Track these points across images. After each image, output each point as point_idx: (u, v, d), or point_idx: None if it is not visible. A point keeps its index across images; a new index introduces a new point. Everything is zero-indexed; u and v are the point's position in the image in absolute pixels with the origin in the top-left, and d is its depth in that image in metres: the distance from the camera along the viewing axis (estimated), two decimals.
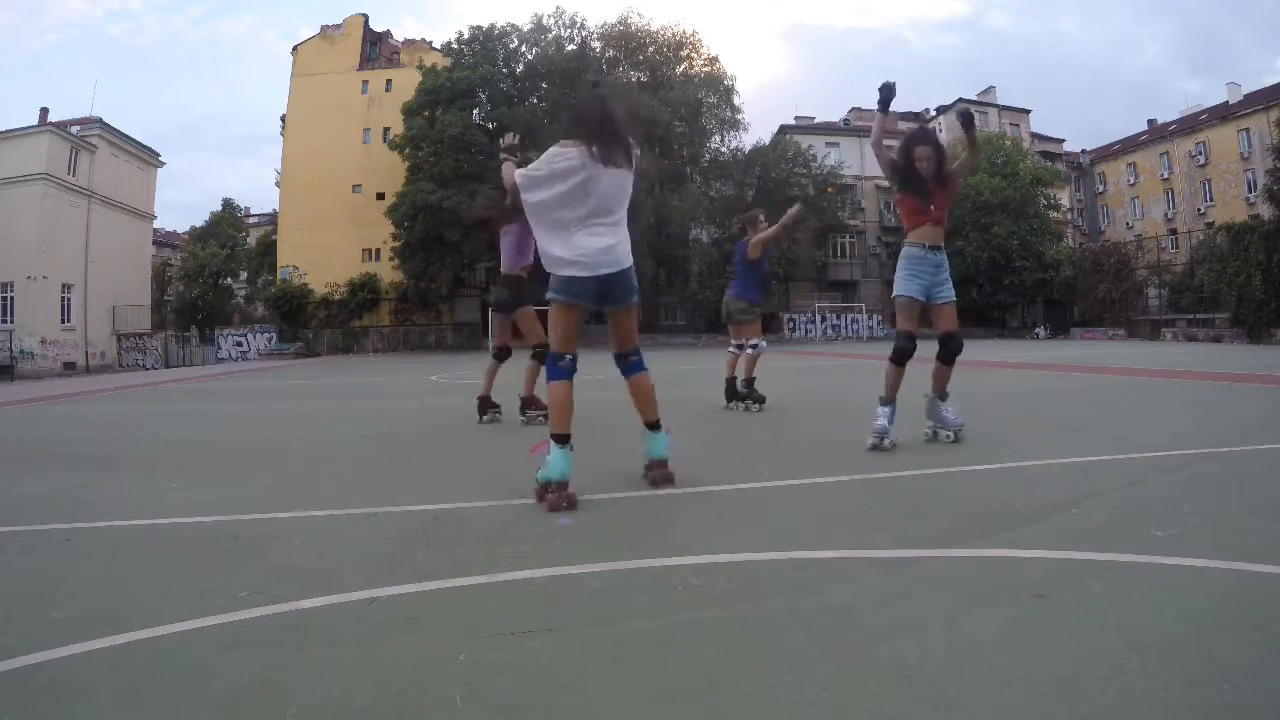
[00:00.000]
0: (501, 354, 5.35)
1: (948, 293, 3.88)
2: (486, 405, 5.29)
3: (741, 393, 5.76)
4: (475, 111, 33.58)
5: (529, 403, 5.24)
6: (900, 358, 3.83)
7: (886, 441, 3.71)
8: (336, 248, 35.64)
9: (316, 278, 35.28)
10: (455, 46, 35.26)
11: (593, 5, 79.41)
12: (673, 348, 29.90)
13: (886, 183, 3.93)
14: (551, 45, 35.49)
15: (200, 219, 51.39)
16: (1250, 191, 35.05)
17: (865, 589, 1.76)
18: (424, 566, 2.00)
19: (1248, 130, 36.18)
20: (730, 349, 5.94)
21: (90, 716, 1.25)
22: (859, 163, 39.49)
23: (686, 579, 1.85)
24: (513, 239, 5.18)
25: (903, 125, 45.65)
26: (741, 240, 5.97)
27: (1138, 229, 41.76)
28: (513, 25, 35.75)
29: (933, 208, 3.84)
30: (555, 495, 2.64)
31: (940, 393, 3.91)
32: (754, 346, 5.82)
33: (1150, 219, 42.16)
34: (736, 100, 35.28)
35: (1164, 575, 1.79)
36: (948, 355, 3.88)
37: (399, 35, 41.71)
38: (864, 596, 1.71)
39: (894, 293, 3.92)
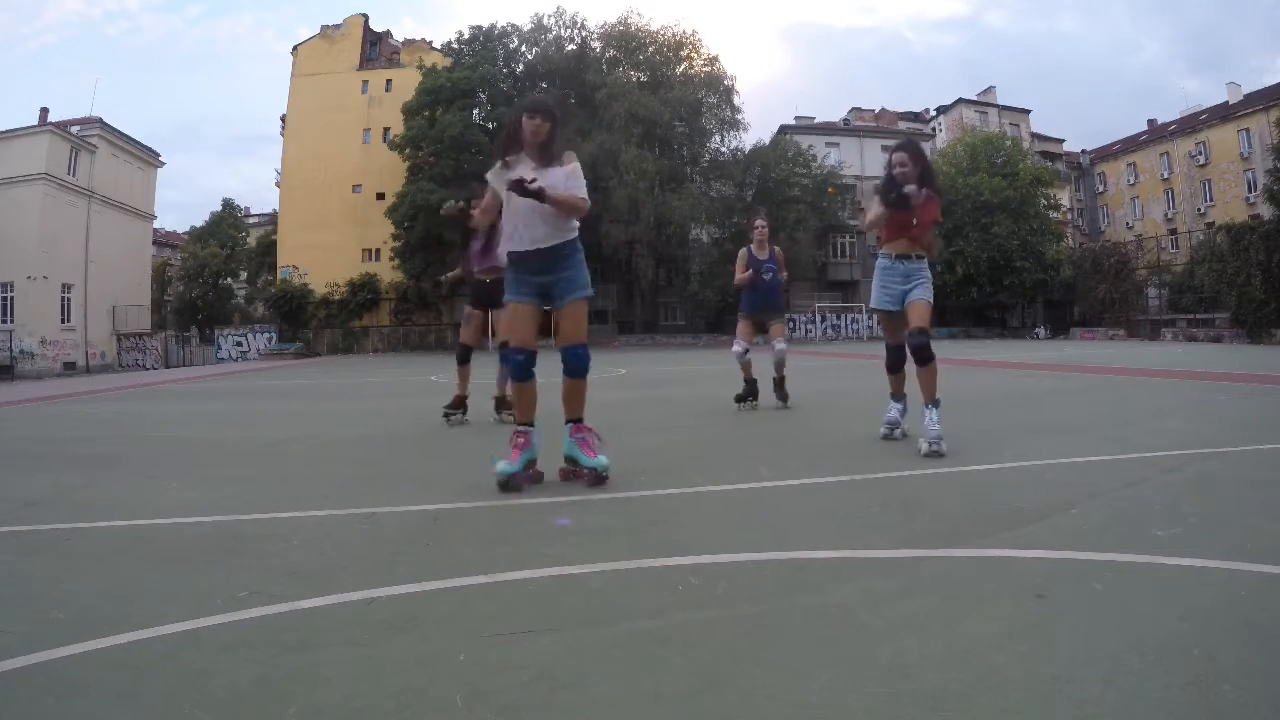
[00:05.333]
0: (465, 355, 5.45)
1: (918, 294, 3.80)
2: (501, 405, 5.40)
3: (746, 394, 5.77)
4: (475, 111, 33.61)
5: (503, 403, 5.34)
6: (891, 367, 4.02)
7: (897, 432, 3.92)
8: (336, 248, 35.65)
9: (316, 278, 35.28)
10: (455, 46, 35.30)
11: (593, 5, 79.45)
12: (672, 348, 29.92)
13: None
14: (551, 45, 35.51)
15: (200, 219, 51.49)
16: (1250, 191, 35.04)
17: (865, 589, 1.76)
18: (424, 566, 2.00)
19: (1248, 130, 36.17)
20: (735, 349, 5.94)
21: (90, 716, 1.25)
22: (859, 163, 39.53)
23: (686, 579, 1.85)
24: (479, 246, 5.34)
25: (902, 125, 45.79)
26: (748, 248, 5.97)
27: (1138, 229, 41.76)
28: (513, 25, 35.85)
29: (915, 221, 3.76)
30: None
31: (929, 399, 3.71)
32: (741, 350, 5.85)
33: (1150, 219, 42.15)
34: (736, 100, 35.31)
35: (1164, 575, 1.79)
36: (914, 354, 3.76)
37: (399, 35, 41.80)
38: (864, 596, 1.71)
39: (872, 305, 4.01)
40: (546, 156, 3.03)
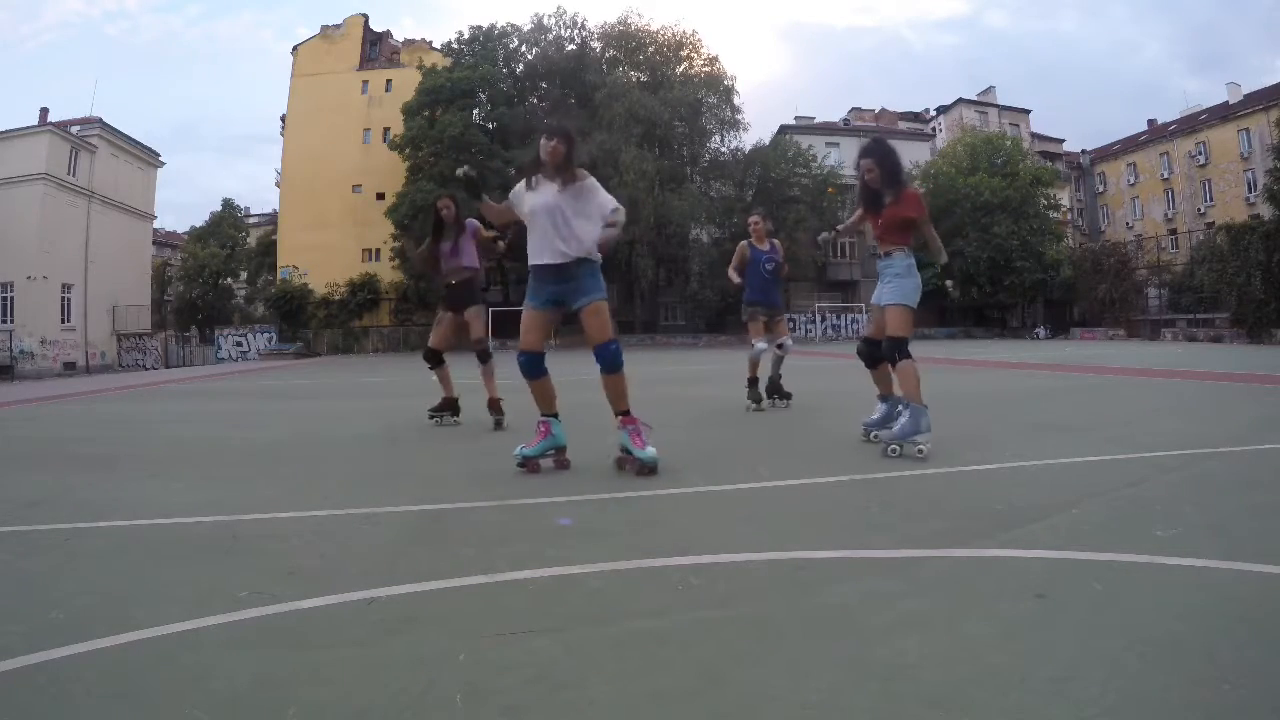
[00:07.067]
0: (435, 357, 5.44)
1: (886, 296, 3.75)
2: (448, 405, 5.39)
3: (768, 391, 5.80)
4: (475, 111, 33.59)
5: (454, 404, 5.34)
6: (864, 361, 4.06)
7: (873, 435, 3.91)
8: (336, 248, 35.63)
9: (316, 278, 35.26)
10: (455, 46, 35.27)
11: (593, 5, 79.48)
12: (672, 348, 29.92)
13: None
14: (551, 45, 35.50)
15: (200, 219, 51.46)
16: (1250, 191, 35.03)
17: (865, 589, 1.76)
18: (424, 566, 2.00)
19: (1248, 130, 36.16)
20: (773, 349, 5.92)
21: (90, 716, 1.25)
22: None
23: (686, 579, 1.85)
24: (449, 247, 5.33)
25: (902, 125, 45.79)
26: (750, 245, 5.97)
27: (1138, 229, 41.77)
28: (513, 25, 35.84)
29: (880, 220, 3.80)
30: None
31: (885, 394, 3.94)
32: (779, 346, 5.84)
33: (1150, 219, 42.15)
34: (736, 100, 35.27)
35: (1164, 575, 1.79)
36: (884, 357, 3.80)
37: (399, 35, 41.77)
38: (864, 596, 1.71)
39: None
40: (565, 176, 3.29)
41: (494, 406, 5.18)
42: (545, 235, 3.27)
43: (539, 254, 3.30)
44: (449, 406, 5.36)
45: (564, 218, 3.25)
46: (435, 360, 5.42)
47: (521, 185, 3.38)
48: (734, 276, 5.87)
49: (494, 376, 5.28)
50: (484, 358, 5.36)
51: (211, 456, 4.28)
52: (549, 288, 3.34)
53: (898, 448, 3.46)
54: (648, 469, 3.13)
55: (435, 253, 5.31)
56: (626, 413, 3.29)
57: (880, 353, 3.93)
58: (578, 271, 3.29)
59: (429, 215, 5.59)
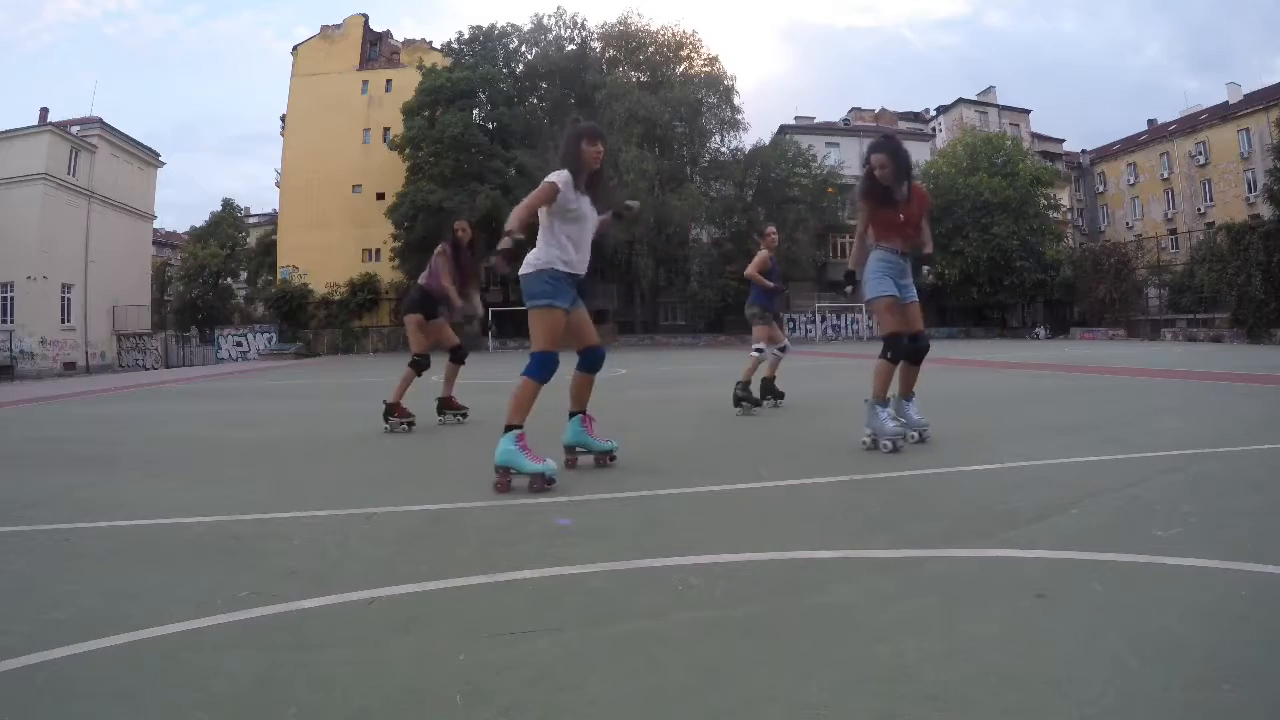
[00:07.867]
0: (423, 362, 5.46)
1: (914, 294, 3.94)
2: (445, 406, 5.48)
3: (763, 393, 5.84)
4: (475, 111, 33.58)
5: (446, 403, 5.45)
6: (900, 356, 3.82)
7: (898, 442, 3.71)
8: (336, 248, 35.64)
9: (316, 278, 35.27)
10: (455, 46, 35.29)
11: (593, 5, 79.54)
12: (672, 348, 29.91)
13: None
14: (551, 45, 35.51)
15: (200, 219, 51.36)
16: (1250, 191, 35.03)
17: (865, 589, 1.76)
18: (424, 566, 2.00)
19: (1248, 130, 36.16)
20: (751, 352, 5.97)
21: (90, 716, 1.25)
22: (859, 163, 39.42)
23: (686, 579, 1.85)
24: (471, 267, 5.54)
25: (902, 125, 45.78)
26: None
27: (1138, 229, 41.75)
28: (513, 25, 35.84)
29: (902, 217, 3.80)
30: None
31: (906, 393, 3.93)
32: (758, 351, 5.87)
33: (1150, 219, 42.15)
34: (736, 100, 35.27)
35: (1164, 575, 1.79)
36: (917, 355, 3.92)
37: (399, 35, 41.75)
38: (864, 596, 1.71)
39: (871, 295, 3.89)
40: (597, 185, 3.36)
41: (451, 405, 5.43)
42: (587, 246, 3.30)
43: (583, 264, 3.26)
44: (452, 406, 5.48)
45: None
46: (427, 365, 5.46)
47: (568, 177, 3.14)
48: (768, 283, 5.94)
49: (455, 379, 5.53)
50: (461, 358, 5.54)
51: (211, 456, 4.29)
52: (572, 292, 3.26)
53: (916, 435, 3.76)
54: (610, 457, 3.38)
55: (452, 261, 5.41)
56: (584, 411, 3.44)
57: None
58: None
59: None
